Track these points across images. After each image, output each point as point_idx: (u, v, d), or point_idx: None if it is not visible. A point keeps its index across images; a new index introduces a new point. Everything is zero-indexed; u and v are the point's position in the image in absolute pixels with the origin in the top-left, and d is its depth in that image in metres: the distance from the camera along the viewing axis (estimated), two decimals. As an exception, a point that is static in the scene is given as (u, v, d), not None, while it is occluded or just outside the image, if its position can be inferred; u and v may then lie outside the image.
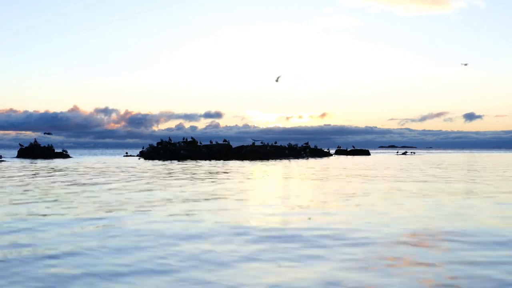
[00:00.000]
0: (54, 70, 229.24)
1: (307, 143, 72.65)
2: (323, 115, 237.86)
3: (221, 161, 49.62)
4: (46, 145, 61.82)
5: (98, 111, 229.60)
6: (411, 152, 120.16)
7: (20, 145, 61.78)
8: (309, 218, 10.20)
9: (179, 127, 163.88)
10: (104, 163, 45.10)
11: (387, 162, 49.52)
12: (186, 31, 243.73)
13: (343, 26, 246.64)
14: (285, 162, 48.37)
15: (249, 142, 64.58)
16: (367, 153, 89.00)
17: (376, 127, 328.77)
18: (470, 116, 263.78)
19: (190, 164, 40.95)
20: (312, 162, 49.36)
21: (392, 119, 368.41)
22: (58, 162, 45.11)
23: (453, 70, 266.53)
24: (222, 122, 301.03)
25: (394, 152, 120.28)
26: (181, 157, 56.84)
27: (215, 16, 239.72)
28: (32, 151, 60.11)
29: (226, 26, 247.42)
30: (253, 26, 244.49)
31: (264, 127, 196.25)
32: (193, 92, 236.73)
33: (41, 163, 41.69)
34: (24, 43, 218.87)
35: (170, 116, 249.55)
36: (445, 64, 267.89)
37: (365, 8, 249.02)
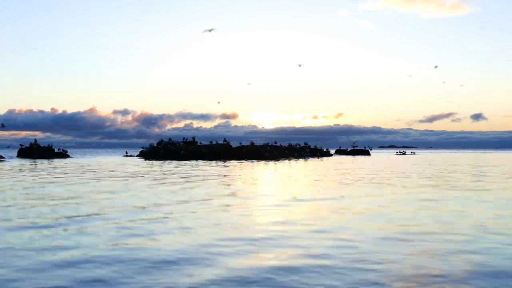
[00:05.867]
0: (74, 71, 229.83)
1: (306, 143, 72.72)
2: (338, 115, 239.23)
3: (221, 161, 49.63)
4: (46, 145, 62.03)
5: (116, 112, 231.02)
6: (411, 152, 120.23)
7: (21, 145, 62.08)
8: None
9: (188, 127, 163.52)
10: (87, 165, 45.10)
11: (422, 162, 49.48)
12: (205, 33, 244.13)
13: (357, 28, 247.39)
14: (290, 162, 48.37)
15: (255, 142, 64.14)
16: (367, 153, 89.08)
17: (381, 127, 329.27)
18: (477, 117, 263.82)
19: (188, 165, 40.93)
20: (322, 162, 49.32)
21: (400, 119, 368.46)
22: (57, 164, 45.15)
23: (462, 71, 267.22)
24: (236, 123, 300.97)
25: (394, 152, 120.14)
26: (181, 157, 56.87)
27: (228, 18, 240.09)
28: (32, 151, 60.27)
29: (242, 28, 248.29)
30: (273, 28, 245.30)
31: (273, 127, 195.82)
32: (211, 93, 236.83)
33: (41, 165, 41.73)
34: (46, 46, 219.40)
35: (186, 117, 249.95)
36: (455, 65, 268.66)
37: (379, 11, 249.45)
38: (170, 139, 62.98)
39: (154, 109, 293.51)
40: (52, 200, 13.86)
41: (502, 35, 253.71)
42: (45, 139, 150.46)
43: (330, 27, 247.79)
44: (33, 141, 61.77)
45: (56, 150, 62.92)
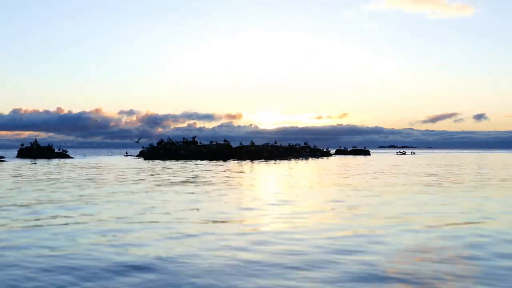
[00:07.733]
0: (82, 72, 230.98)
1: (306, 143, 72.73)
2: (342, 115, 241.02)
3: (221, 161, 49.69)
4: (46, 145, 62.05)
5: (122, 112, 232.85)
6: (411, 152, 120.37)
7: (21, 145, 62.12)
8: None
9: (191, 127, 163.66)
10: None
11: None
12: (212, 33, 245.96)
13: (362, 29, 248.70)
14: (291, 162, 48.41)
15: (256, 142, 64.03)
16: (367, 153, 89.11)
17: (383, 127, 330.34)
18: (479, 117, 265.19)
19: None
20: (323, 164, 49.33)
21: (402, 119, 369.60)
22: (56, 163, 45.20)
23: (466, 72, 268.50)
24: (239, 123, 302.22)
25: (394, 152, 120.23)
26: (181, 157, 56.87)
27: (230, 19, 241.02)
28: (32, 151, 60.32)
29: (244, 29, 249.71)
30: (277, 30, 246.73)
31: (276, 127, 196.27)
32: (217, 93, 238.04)
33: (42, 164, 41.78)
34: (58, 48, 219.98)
35: (191, 117, 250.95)
36: (458, 65, 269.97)
37: (383, 12, 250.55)
38: (169, 139, 62.93)
39: (160, 110, 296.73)
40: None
41: (506, 36, 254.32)
42: (47, 139, 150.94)
43: (334, 28, 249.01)
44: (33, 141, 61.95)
45: (56, 150, 62.96)
